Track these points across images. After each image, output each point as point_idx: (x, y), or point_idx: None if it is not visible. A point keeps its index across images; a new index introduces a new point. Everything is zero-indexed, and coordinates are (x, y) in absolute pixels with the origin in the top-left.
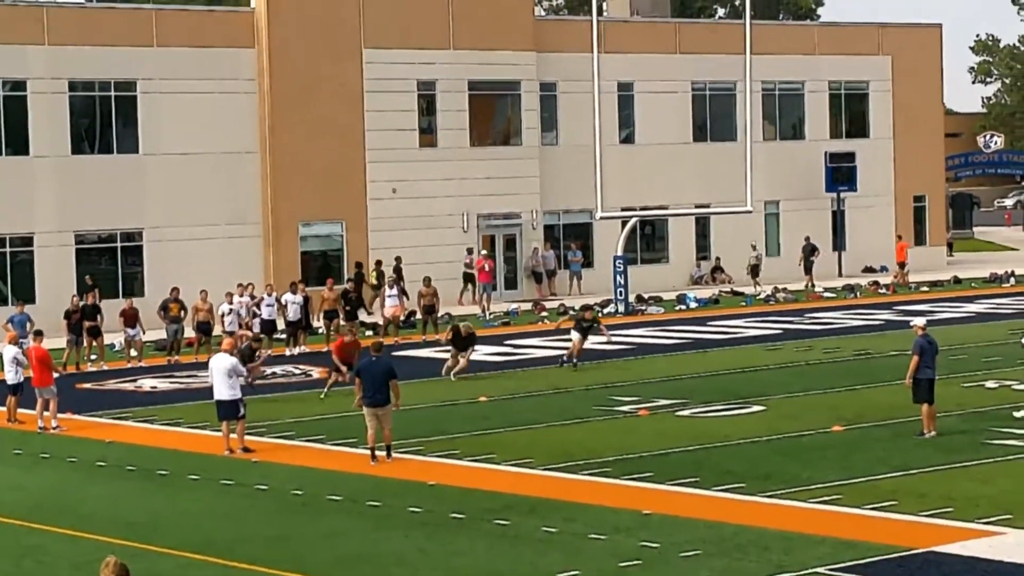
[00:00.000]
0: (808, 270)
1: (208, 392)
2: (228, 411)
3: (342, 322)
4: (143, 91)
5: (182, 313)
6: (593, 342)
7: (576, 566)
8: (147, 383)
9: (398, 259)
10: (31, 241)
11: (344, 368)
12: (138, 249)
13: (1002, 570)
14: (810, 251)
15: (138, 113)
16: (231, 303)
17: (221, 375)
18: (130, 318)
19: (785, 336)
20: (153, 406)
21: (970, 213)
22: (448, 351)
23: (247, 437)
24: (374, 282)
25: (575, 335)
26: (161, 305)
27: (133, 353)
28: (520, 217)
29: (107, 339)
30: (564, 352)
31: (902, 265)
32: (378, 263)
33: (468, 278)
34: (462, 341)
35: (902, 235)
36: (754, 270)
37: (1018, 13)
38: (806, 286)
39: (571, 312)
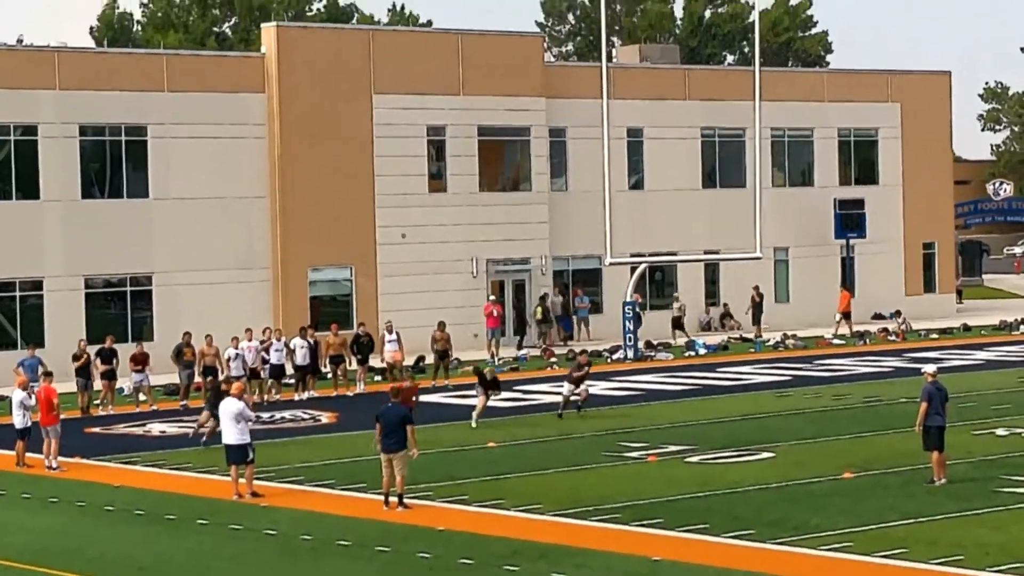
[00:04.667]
0: (756, 320)
1: (217, 436)
2: (237, 455)
3: (350, 367)
4: (153, 136)
5: (195, 358)
6: (603, 387)
7: None
8: (156, 427)
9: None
10: (41, 285)
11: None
12: (147, 294)
13: None
14: (759, 300)
15: (148, 158)
16: (237, 348)
17: (229, 419)
18: (139, 363)
19: (794, 383)
20: (162, 450)
21: (979, 260)
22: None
23: (256, 482)
24: (539, 317)
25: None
26: (175, 350)
27: (142, 397)
28: (529, 263)
29: (117, 383)
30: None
31: (846, 315)
32: (542, 298)
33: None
34: (488, 383)
35: (847, 285)
36: (676, 322)
37: None
38: (755, 336)
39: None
